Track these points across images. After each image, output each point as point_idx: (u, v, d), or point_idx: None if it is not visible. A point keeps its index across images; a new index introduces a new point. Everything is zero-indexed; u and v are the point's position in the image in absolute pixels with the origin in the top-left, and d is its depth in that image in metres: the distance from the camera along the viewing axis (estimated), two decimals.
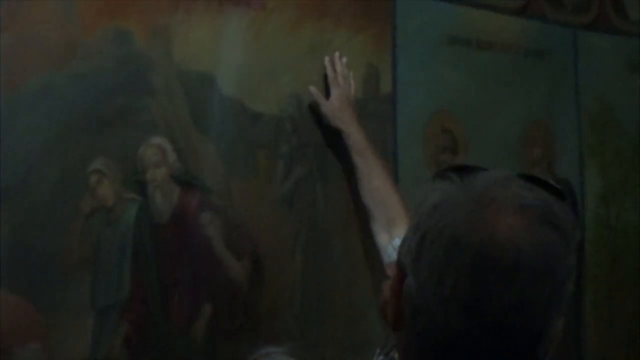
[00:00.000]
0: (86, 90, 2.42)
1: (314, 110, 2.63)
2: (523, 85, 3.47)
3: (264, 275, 2.79)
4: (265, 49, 2.82)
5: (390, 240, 2.44)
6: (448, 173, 1.31)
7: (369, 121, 2.98)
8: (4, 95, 2.25)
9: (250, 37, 2.78)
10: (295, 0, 2.88)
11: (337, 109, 2.64)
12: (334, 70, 2.69)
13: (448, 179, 1.30)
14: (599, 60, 3.71)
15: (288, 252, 2.86)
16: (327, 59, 2.70)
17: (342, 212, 2.86)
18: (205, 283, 2.66)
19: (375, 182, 2.56)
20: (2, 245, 2.24)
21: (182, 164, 2.63)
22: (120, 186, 2.50)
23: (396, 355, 1.45)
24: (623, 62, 3.79)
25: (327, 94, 2.61)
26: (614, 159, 3.74)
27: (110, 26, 2.48)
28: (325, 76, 2.67)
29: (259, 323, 2.75)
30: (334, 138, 2.58)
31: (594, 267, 3.66)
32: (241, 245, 2.74)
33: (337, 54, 2.72)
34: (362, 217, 2.51)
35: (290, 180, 2.85)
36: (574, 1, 3.60)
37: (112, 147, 2.47)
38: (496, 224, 1.22)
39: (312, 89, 2.64)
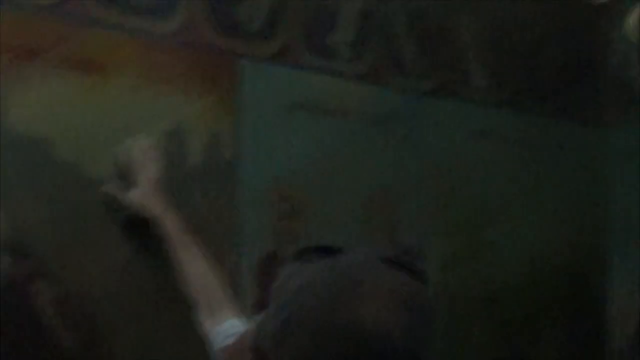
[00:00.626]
0: None
1: (114, 203, 2.56)
2: (367, 152, 3.47)
3: (101, 346, 2.69)
4: (105, 113, 2.75)
5: (216, 325, 2.39)
6: (310, 254, 1.29)
7: (211, 188, 2.95)
8: None
9: (88, 101, 2.72)
10: (136, 64, 2.82)
11: (145, 196, 2.57)
12: (135, 156, 2.63)
13: (310, 260, 1.27)
14: (443, 127, 3.74)
15: (130, 320, 2.77)
16: (123, 148, 2.64)
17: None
18: (35, 357, 2.55)
19: (194, 268, 2.52)
20: None
21: (13, 232, 2.54)
22: None
23: None
24: (468, 129, 3.83)
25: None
26: (457, 226, 3.77)
27: None
28: (127, 164, 2.61)
29: None
30: (146, 227, 2.51)
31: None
32: (76, 315, 2.64)
33: (137, 141, 2.65)
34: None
35: (131, 248, 2.76)
36: (418, 68, 3.62)
37: None
38: (364, 308, 1.22)
39: (107, 186, 2.57)
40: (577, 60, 4.04)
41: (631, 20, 3.95)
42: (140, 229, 2.67)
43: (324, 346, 1.18)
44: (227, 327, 2.34)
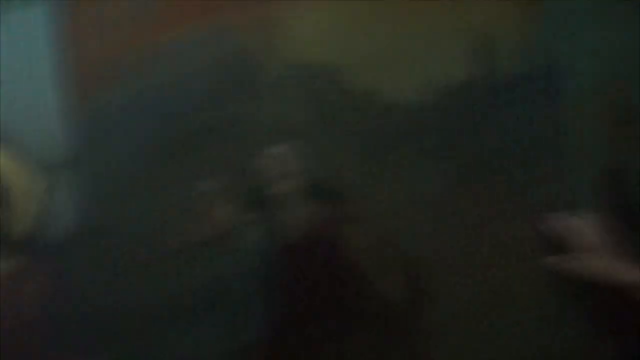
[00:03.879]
0: (179, 99, 2.15)
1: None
2: None
3: (425, 291, 2.41)
4: (396, 30, 2.47)
5: None
6: None
7: (532, 99, 2.64)
8: (75, 110, 1.97)
9: (376, 18, 2.45)
10: None
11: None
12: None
13: None
14: None
15: (454, 262, 2.47)
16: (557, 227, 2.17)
17: (502, 216, 2.48)
18: (353, 309, 2.32)
19: None
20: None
21: (311, 172, 2.34)
22: (238, 206, 2.21)
23: None
24: None
25: None
26: None
27: (204, 22, 2.19)
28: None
29: (425, 344, 2.38)
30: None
31: None
32: (391, 259, 2.39)
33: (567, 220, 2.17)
34: None
35: (439, 179, 2.48)
36: None
37: (222, 162, 2.20)
38: None
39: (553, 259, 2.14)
40: None
41: None
42: None
43: None
44: None
